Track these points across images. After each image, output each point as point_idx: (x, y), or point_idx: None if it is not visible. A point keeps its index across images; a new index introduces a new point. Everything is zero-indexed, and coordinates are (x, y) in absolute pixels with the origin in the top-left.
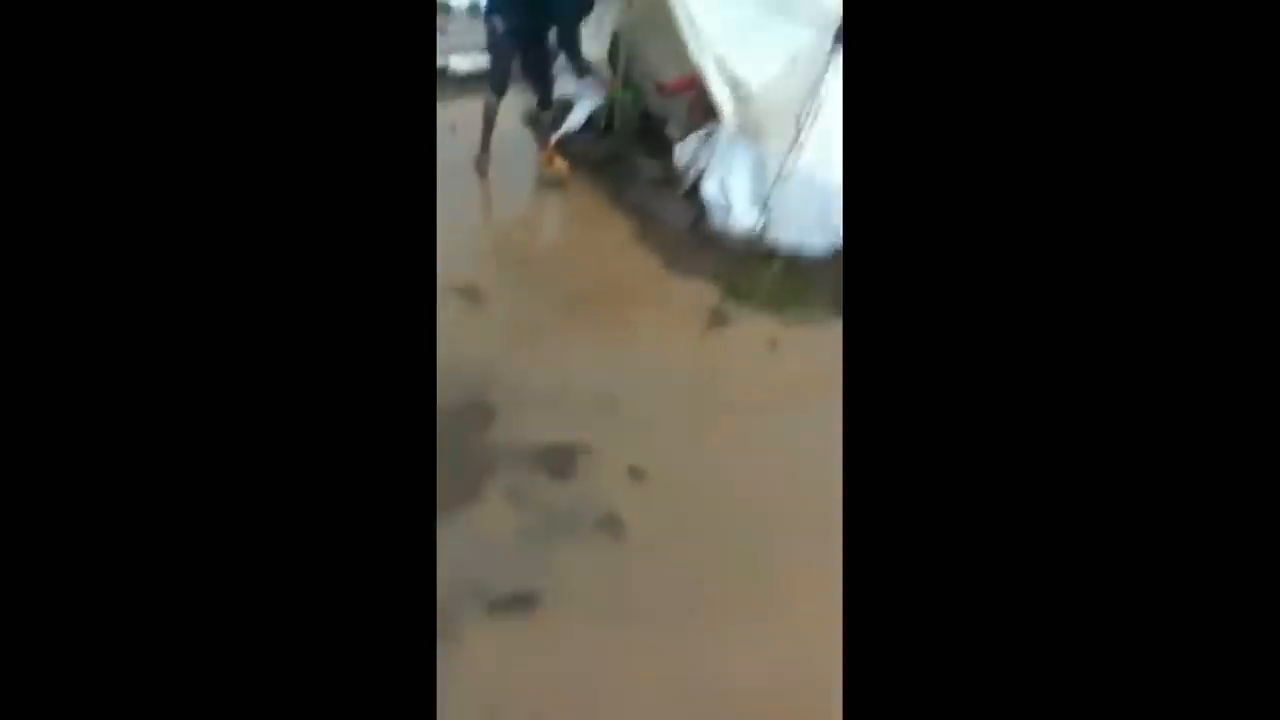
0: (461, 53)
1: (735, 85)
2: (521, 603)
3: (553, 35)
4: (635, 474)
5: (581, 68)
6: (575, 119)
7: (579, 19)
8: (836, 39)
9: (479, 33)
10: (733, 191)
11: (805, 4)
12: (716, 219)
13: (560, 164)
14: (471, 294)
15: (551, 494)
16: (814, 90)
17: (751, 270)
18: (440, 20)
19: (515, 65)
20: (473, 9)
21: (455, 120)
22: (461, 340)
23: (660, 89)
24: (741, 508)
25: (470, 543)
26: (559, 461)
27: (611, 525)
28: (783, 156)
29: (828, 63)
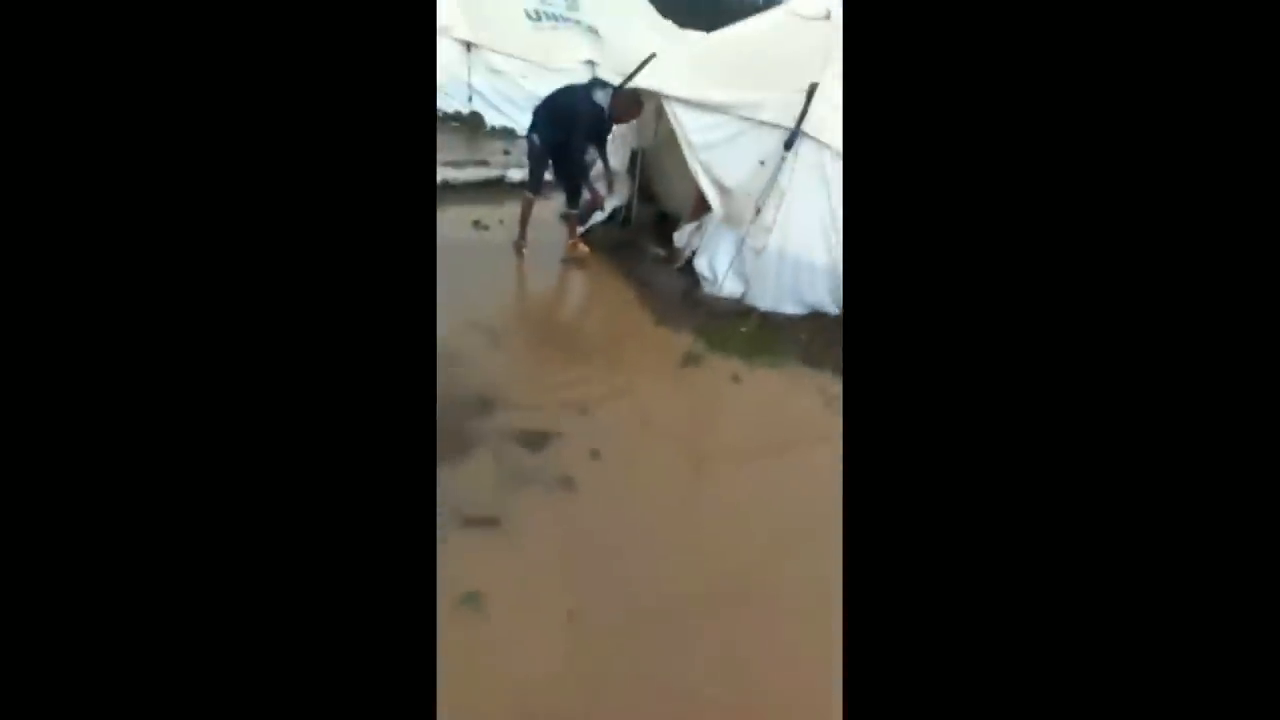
0: (519, 168)
1: (718, 184)
2: (488, 522)
3: (586, 150)
4: (593, 455)
5: (590, 182)
6: (599, 215)
7: (592, 145)
8: (788, 144)
9: None
10: (718, 266)
11: (770, 116)
12: (705, 288)
13: (583, 248)
14: (492, 333)
15: (524, 461)
16: (775, 185)
17: (729, 327)
18: (506, 144)
19: (549, 172)
20: None
21: (504, 216)
22: (476, 360)
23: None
24: (678, 478)
25: (457, 483)
26: (534, 441)
27: (567, 484)
28: (754, 237)
29: (781, 161)
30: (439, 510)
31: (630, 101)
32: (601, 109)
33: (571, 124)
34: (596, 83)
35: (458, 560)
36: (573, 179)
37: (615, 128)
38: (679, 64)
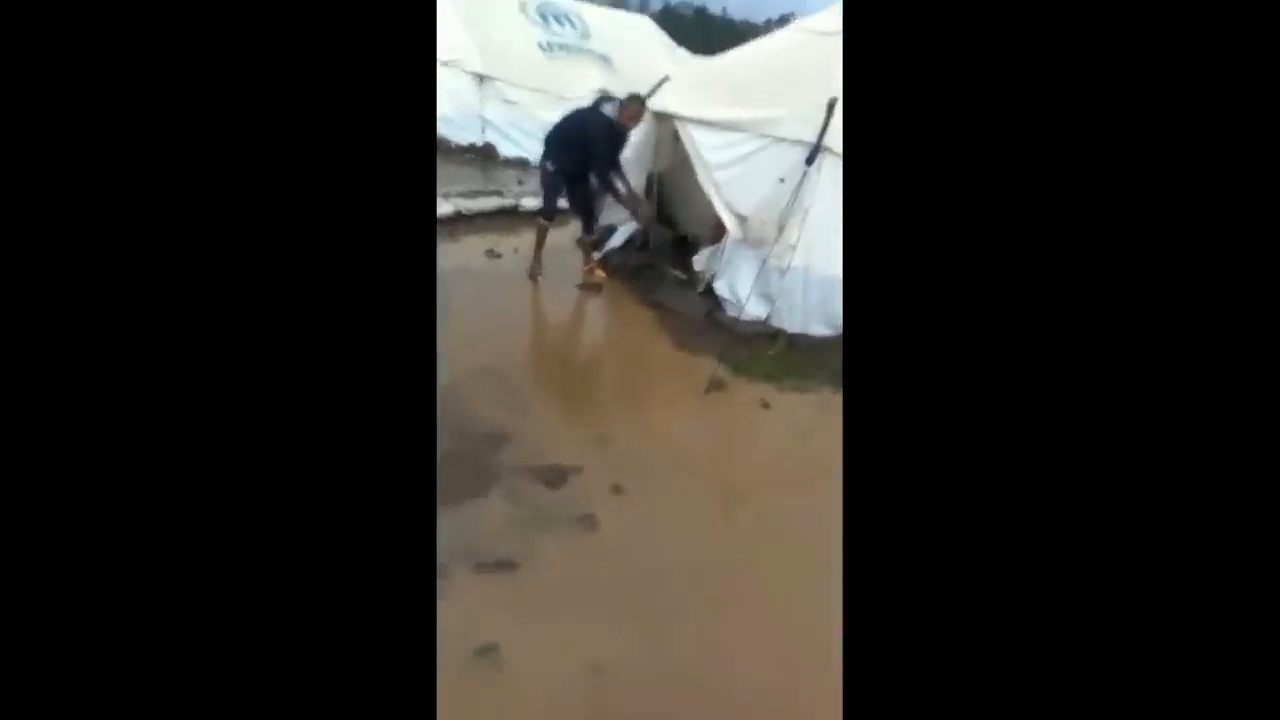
0: (533, 197)
1: (735, 204)
2: (504, 566)
3: (604, 167)
4: (615, 489)
5: (621, 198)
6: (616, 240)
7: (609, 159)
8: (809, 159)
9: None
10: (740, 289)
11: (789, 131)
12: (728, 311)
13: (599, 273)
14: (507, 363)
15: (542, 498)
16: (797, 202)
17: (755, 350)
18: (520, 173)
19: (563, 199)
20: None
21: (519, 244)
22: (490, 391)
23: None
24: (707, 512)
25: (469, 525)
26: (552, 477)
27: (588, 522)
28: (778, 257)
29: (803, 178)
30: (449, 555)
31: (634, 104)
32: (611, 119)
33: (584, 143)
34: (603, 99)
35: (471, 609)
36: (588, 206)
37: (629, 152)
38: (693, 85)
